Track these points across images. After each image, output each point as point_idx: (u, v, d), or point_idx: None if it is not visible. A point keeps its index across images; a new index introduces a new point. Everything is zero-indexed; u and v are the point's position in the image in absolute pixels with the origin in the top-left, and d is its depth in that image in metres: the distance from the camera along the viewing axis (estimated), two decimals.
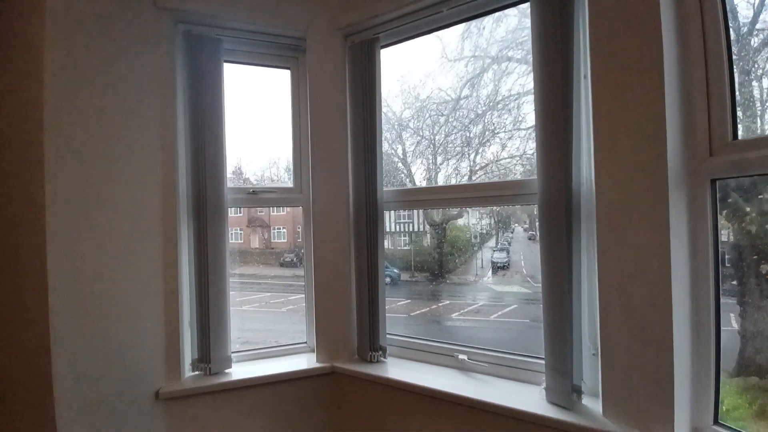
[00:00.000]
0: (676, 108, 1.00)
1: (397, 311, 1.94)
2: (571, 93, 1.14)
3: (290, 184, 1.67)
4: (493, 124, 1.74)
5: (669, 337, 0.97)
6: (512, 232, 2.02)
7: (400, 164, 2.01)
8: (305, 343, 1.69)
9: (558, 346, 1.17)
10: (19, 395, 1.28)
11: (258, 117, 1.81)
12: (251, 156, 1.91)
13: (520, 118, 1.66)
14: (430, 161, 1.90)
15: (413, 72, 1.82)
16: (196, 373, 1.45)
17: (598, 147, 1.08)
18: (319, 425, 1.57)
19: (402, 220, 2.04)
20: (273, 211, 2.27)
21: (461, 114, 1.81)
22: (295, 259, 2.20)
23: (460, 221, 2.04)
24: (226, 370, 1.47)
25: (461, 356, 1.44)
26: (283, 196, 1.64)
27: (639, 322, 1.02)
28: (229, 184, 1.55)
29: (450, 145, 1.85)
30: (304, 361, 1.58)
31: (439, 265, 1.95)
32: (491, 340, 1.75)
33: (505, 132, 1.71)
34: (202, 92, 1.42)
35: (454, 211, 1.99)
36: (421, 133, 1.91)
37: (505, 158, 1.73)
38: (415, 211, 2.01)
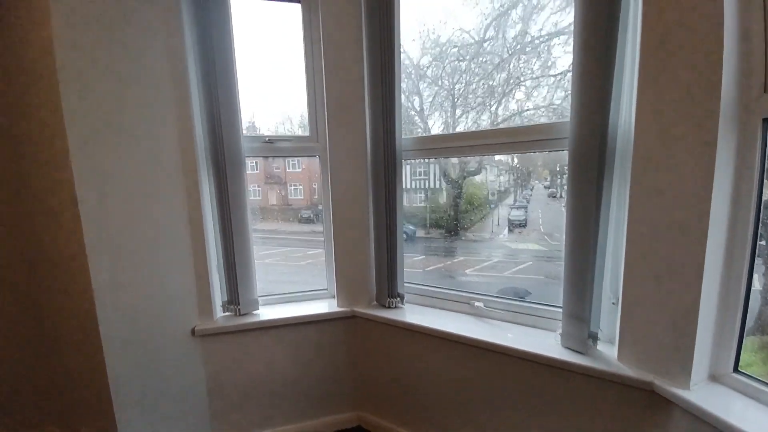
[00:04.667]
0: (734, 37, 0.89)
1: (412, 266, 1.97)
2: (617, 21, 1.02)
3: (306, 133, 1.63)
4: (519, 69, 1.61)
5: (697, 286, 0.95)
6: (531, 190, 1.96)
7: (416, 117, 1.92)
8: (326, 289, 1.76)
9: (577, 293, 1.17)
10: (70, 337, 1.41)
11: (270, 66, 1.72)
12: (265, 111, 1.86)
13: (549, 63, 1.52)
14: (449, 114, 1.81)
15: (433, 12, 1.67)
16: (227, 314, 1.56)
17: (644, 80, 0.98)
18: (340, 363, 1.68)
19: (418, 177, 2.00)
20: (288, 168, 2.27)
21: (484, 60, 1.68)
22: (312, 215, 2.23)
23: (478, 178, 1.99)
24: (254, 312, 1.57)
25: (477, 303, 1.47)
26: (299, 144, 1.61)
27: (667, 270, 0.99)
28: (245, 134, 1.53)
29: (470, 96, 1.74)
30: (325, 306, 1.65)
31: (454, 222, 1.94)
32: (505, 294, 1.78)
33: (531, 79, 1.58)
34: (210, 32, 1.35)
35: (472, 167, 1.93)
36: (440, 83, 1.80)
37: (530, 109, 1.62)
38: (432, 167, 1.96)
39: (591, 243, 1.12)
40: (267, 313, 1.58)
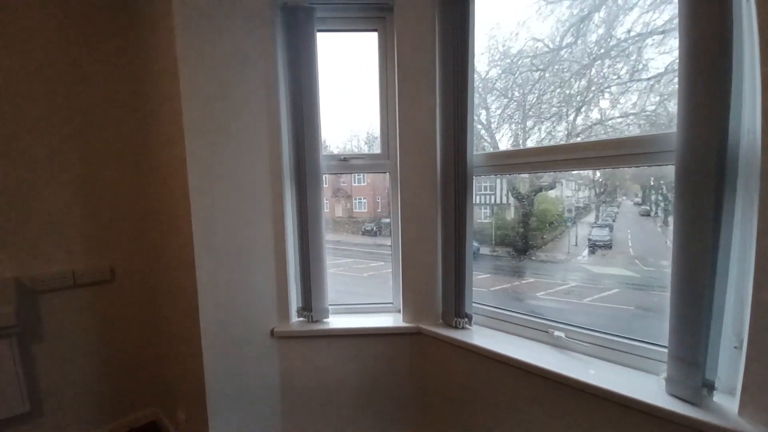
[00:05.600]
0: None
1: (476, 285, 1.89)
2: (730, 18, 0.88)
3: (378, 151, 1.70)
4: (603, 75, 1.47)
5: None
6: (618, 207, 1.74)
7: (483, 131, 1.87)
8: (391, 303, 1.78)
9: (688, 332, 0.99)
10: (177, 329, 1.65)
11: (342, 89, 1.85)
12: (334, 130, 2.00)
13: (639, 66, 1.37)
14: (519, 126, 1.72)
15: (503, 24, 1.62)
16: (301, 319, 1.67)
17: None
18: (403, 380, 1.66)
19: (483, 192, 1.93)
20: (354, 182, 2.37)
21: (560, 67, 1.57)
22: (375, 228, 2.30)
23: (552, 193, 1.84)
24: (325, 320, 1.66)
25: (557, 333, 1.34)
26: (371, 162, 1.69)
27: None
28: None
29: (544, 106, 1.64)
30: (390, 320, 1.67)
31: (523, 241, 1.81)
32: (584, 324, 1.60)
33: (618, 85, 1.44)
34: (299, 63, 1.51)
35: (545, 181, 1.79)
36: (510, 95, 1.73)
37: (616, 117, 1.47)
38: (498, 181, 1.88)
39: (707, 273, 0.95)
40: (336, 321, 1.65)
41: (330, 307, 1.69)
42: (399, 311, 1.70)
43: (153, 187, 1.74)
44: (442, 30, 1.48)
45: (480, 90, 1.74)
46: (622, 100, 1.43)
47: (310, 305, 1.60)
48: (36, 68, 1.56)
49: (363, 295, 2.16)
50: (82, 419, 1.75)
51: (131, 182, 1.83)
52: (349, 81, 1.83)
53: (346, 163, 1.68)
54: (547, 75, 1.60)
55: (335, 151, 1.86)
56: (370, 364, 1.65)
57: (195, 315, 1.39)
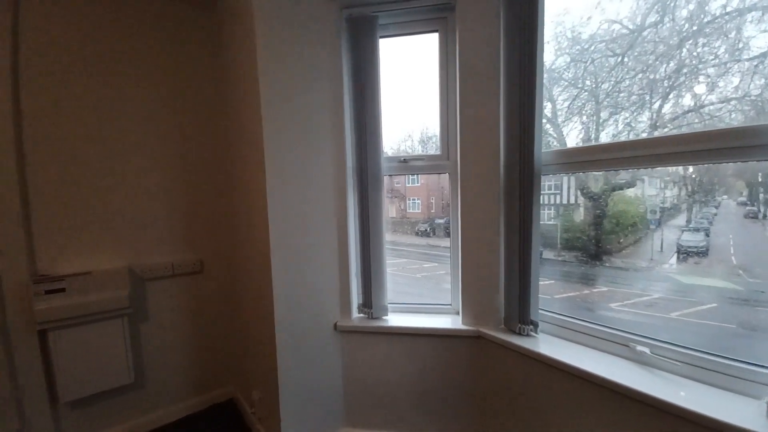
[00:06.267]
0: None
1: (540, 291, 1.79)
2: None
3: (436, 151, 1.70)
4: (696, 56, 1.29)
5: None
6: (717, 207, 1.50)
7: (548, 125, 1.74)
8: (449, 305, 1.76)
9: None
10: (253, 316, 1.83)
11: (399, 90, 1.88)
12: (389, 130, 2.03)
13: (740, 45, 1.18)
14: (591, 118, 1.58)
15: (573, 9, 1.51)
16: (361, 315, 1.75)
17: None
18: (461, 381, 1.64)
19: (547, 191, 1.80)
20: (408, 183, 2.39)
21: (643, 50, 1.41)
22: (428, 228, 2.29)
23: (631, 191, 1.65)
24: (384, 317, 1.71)
25: (640, 348, 1.21)
26: (431, 163, 1.70)
27: None
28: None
29: (623, 94, 1.49)
30: (449, 321, 1.66)
31: (595, 245, 1.65)
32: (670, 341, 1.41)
33: (715, 66, 1.24)
34: (362, 71, 1.58)
35: (623, 178, 1.62)
36: (580, 84, 1.59)
37: (715, 103, 1.27)
38: (565, 179, 1.74)
39: None
40: (395, 320, 1.69)
41: (388, 305, 1.73)
42: (458, 313, 1.68)
43: (236, 192, 1.95)
44: (507, 23, 1.42)
45: (545, 82, 1.64)
46: (721, 84, 1.24)
47: (371, 302, 1.66)
48: (144, 95, 1.84)
49: (416, 295, 2.18)
50: (173, 392, 2.03)
51: (218, 188, 2.08)
52: (406, 82, 1.85)
53: (406, 165, 1.70)
54: (626, 59, 1.45)
55: (389, 152, 1.89)
56: (427, 364, 1.65)
57: (269, 304, 1.53)
